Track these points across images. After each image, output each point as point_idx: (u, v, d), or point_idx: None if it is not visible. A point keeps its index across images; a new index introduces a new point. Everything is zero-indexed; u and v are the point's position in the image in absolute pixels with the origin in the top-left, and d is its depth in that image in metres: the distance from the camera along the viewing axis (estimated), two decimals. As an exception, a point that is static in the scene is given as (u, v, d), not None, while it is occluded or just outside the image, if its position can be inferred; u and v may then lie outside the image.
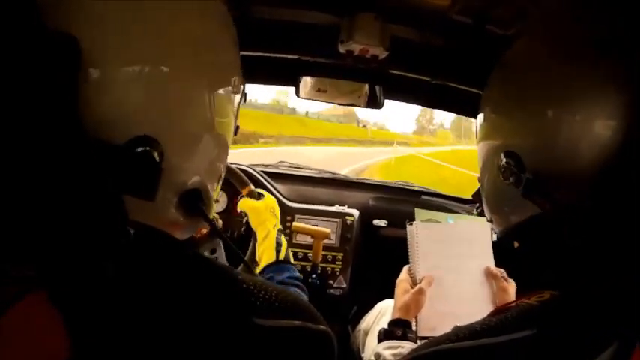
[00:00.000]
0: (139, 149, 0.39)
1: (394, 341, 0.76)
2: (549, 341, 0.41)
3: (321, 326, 0.48)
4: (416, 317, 0.82)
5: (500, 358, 0.44)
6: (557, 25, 0.54)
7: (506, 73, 0.59)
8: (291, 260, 0.87)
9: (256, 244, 0.89)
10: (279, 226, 0.92)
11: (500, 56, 0.61)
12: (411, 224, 0.92)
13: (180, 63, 0.41)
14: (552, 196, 0.48)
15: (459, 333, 0.48)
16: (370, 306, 1.25)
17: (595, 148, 0.46)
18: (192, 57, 0.42)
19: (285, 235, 1.34)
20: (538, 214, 0.51)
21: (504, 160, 0.53)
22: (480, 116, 0.63)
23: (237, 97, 0.51)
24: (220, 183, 0.54)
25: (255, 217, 0.93)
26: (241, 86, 0.52)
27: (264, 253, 0.86)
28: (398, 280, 0.87)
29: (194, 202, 0.47)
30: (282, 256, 0.84)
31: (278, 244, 0.86)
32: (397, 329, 0.77)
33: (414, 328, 0.80)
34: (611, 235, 0.43)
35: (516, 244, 0.61)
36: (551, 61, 0.51)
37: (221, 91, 0.47)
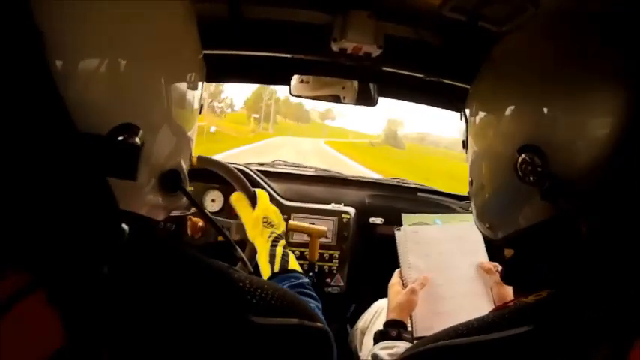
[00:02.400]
0: (121, 137, 0.40)
1: (389, 341, 0.77)
2: (545, 337, 0.42)
3: (319, 324, 0.49)
4: (411, 318, 0.83)
5: (496, 354, 0.44)
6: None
7: (521, 63, 0.53)
8: (290, 264, 0.81)
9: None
10: (277, 233, 0.87)
11: (499, 46, 0.58)
12: (399, 230, 0.93)
13: (143, 54, 0.42)
14: (576, 197, 0.45)
15: (458, 330, 0.49)
16: (368, 304, 1.25)
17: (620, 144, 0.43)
18: (154, 47, 0.44)
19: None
20: (552, 218, 0.48)
21: (523, 156, 0.48)
22: (477, 111, 0.58)
23: (200, 83, 0.53)
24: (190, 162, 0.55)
25: (249, 229, 0.89)
26: (202, 74, 0.54)
27: (262, 269, 0.82)
28: (390, 284, 0.89)
29: (174, 182, 0.48)
30: (276, 268, 0.79)
31: (271, 257, 0.81)
32: (392, 330, 0.79)
33: (409, 328, 0.81)
34: (619, 232, 0.42)
35: (508, 253, 0.59)
36: (584, 50, 0.47)
37: (183, 78, 0.49)
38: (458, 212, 1.53)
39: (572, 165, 0.46)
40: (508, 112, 0.52)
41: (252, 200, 0.93)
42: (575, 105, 0.46)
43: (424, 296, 0.84)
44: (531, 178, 0.47)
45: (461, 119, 0.63)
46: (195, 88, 0.51)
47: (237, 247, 0.66)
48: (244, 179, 1.00)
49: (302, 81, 1.25)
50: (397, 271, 0.91)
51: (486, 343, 0.45)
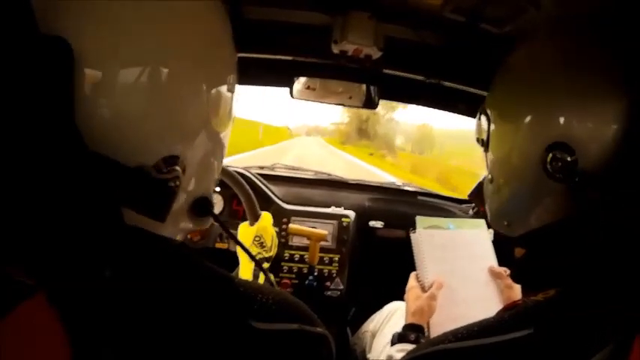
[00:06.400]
0: (165, 170, 0.38)
1: (407, 344, 0.77)
2: (545, 341, 0.42)
3: (319, 329, 0.48)
4: (428, 323, 0.83)
5: (496, 358, 0.44)
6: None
7: (538, 71, 0.55)
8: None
9: None
10: (264, 256, 0.87)
11: (511, 50, 0.59)
12: (414, 232, 0.94)
13: (187, 67, 0.39)
14: (601, 190, 0.47)
15: (458, 333, 0.48)
16: (368, 307, 1.25)
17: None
18: (197, 59, 0.41)
19: (282, 237, 1.35)
20: (570, 216, 0.50)
21: (551, 154, 0.50)
22: (499, 114, 0.60)
23: (235, 96, 0.50)
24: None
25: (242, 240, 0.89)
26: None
27: None
28: (408, 287, 0.89)
29: (204, 208, 0.47)
30: None
31: (254, 278, 0.82)
32: (411, 334, 0.79)
33: (426, 333, 0.81)
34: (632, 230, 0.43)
35: (519, 253, 0.60)
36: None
37: (227, 93, 0.46)
38: (457, 215, 1.53)
39: (598, 159, 0.48)
40: (532, 115, 0.54)
41: (256, 219, 0.92)
42: (591, 106, 0.49)
43: (441, 301, 0.84)
44: (561, 175, 0.49)
45: (479, 120, 0.64)
46: (233, 105, 0.48)
47: (270, 274, 0.66)
48: (254, 200, 0.96)
49: (308, 87, 1.24)
50: (413, 274, 0.91)
51: (486, 347, 0.45)
